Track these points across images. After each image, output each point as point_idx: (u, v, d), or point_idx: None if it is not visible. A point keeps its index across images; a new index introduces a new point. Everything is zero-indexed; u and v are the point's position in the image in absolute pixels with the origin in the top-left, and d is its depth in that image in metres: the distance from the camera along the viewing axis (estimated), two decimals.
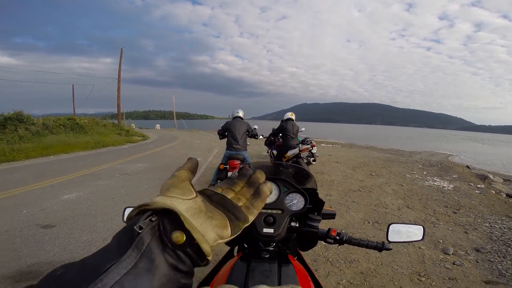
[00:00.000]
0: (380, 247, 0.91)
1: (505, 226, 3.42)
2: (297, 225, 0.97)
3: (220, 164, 4.28)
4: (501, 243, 2.93)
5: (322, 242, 0.95)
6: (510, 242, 2.93)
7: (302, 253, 1.18)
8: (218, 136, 4.94)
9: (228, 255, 1.14)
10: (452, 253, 2.71)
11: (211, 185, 4.28)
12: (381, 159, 9.90)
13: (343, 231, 0.92)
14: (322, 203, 1.03)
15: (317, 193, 1.05)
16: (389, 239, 0.96)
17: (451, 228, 3.36)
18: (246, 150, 4.53)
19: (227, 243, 1.23)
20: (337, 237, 0.92)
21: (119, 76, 19.24)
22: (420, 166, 8.26)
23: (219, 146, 11.84)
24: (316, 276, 0.93)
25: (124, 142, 13.13)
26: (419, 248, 2.81)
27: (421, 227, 0.97)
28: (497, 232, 3.23)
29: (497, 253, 2.72)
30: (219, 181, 4.24)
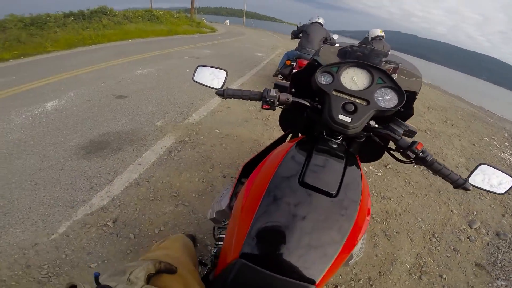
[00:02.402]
0: (461, 183, 0.78)
1: None
2: (376, 125, 0.83)
3: (287, 59, 4.27)
4: None
5: (364, 167, 0.87)
6: None
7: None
8: (290, 36, 4.80)
9: (280, 141, 1.06)
10: (475, 228, 2.60)
11: (277, 71, 4.49)
12: (465, 111, 8.48)
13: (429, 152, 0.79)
14: (411, 112, 0.89)
15: (416, 98, 0.90)
16: (471, 179, 0.82)
17: (492, 205, 3.09)
18: None
19: (282, 126, 1.18)
20: (421, 154, 0.77)
21: None
22: (505, 135, 6.84)
23: (284, 47, 11.47)
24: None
25: (195, 33, 13.67)
26: (451, 211, 2.75)
27: None
28: None
29: (510, 244, 2.54)
30: (280, 76, 4.33)
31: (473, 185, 0.81)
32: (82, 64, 5.09)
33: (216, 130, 3.09)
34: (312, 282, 0.54)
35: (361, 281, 1.83)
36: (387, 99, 0.83)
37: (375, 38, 4.68)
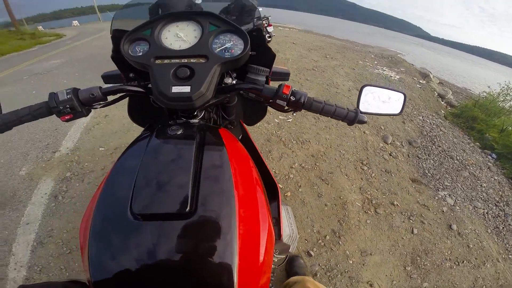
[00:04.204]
0: (353, 117, 0.65)
1: (434, 122, 3.78)
2: (234, 82, 0.71)
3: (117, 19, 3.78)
4: (428, 139, 3.25)
5: (275, 118, 0.68)
6: (435, 140, 3.26)
7: (248, 130, 0.95)
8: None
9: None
10: (390, 143, 2.94)
11: None
12: (337, 45, 9.86)
13: (302, 91, 0.64)
14: (271, 55, 0.75)
15: (263, 36, 0.75)
16: (361, 108, 0.71)
17: (392, 117, 3.59)
18: None
19: (138, 122, 1.00)
20: (292, 98, 0.63)
21: None
22: (372, 56, 8.38)
23: None
24: (265, 161, 0.75)
25: (32, 45, 10.54)
26: (364, 132, 2.98)
27: (402, 94, 0.73)
28: (427, 127, 3.54)
29: (424, 149, 3.02)
30: None
31: (366, 113, 0.71)
32: None
33: (101, 149, 2.53)
34: None
35: (327, 236, 1.78)
36: (230, 46, 0.67)
37: None
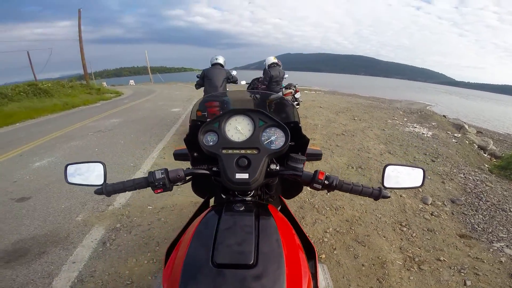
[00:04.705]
0: (377, 194, 0.77)
1: (478, 178, 3.57)
2: (277, 168, 0.84)
3: (197, 111, 4.33)
4: (474, 195, 3.09)
5: (308, 188, 0.83)
6: (481, 196, 3.08)
7: (286, 201, 1.08)
8: (195, 87, 4.75)
9: (203, 208, 1.02)
10: (431, 203, 2.83)
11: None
12: (364, 105, 9.98)
13: (333, 175, 0.77)
14: (306, 140, 0.91)
15: (300, 127, 0.91)
16: (385, 184, 0.82)
17: (429, 177, 3.46)
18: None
19: (199, 194, 1.13)
20: (326, 182, 0.76)
21: (80, 36, 18.54)
22: (401, 113, 8.38)
23: (199, 95, 11.86)
24: (302, 227, 0.85)
25: (96, 101, 12.51)
26: (400, 196, 2.90)
27: (421, 170, 0.84)
28: (470, 184, 3.37)
29: (470, 206, 2.87)
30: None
31: (390, 188, 0.83)
32: None
33: (149, 207, 2.77)
34: None
35: None
36: (274, 139, 0.85)
37: (271, 65, 5.11)
